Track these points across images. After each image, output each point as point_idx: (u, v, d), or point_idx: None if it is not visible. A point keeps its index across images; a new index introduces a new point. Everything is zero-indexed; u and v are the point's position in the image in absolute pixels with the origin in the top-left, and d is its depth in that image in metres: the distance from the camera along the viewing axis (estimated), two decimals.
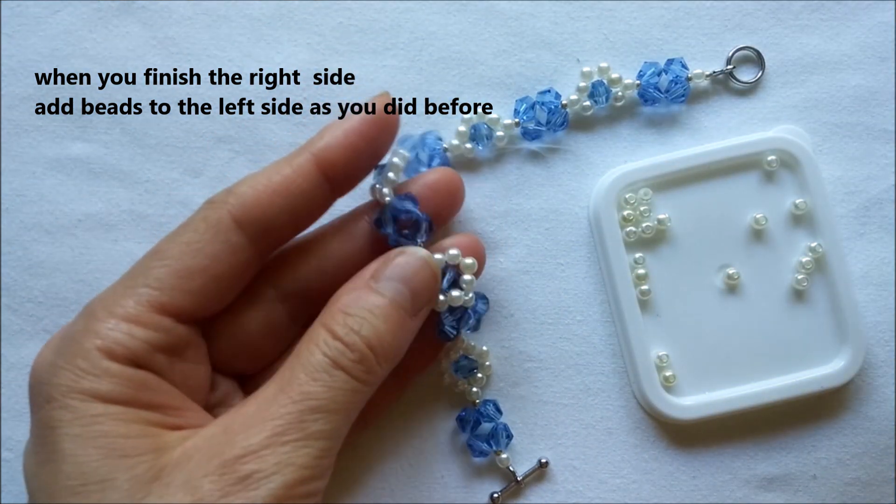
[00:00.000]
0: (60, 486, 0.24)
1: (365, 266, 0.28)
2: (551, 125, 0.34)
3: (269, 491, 0.23)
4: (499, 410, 0.33)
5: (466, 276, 0.30)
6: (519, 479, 0.33)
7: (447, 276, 0.30)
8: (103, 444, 0.24)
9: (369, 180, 0.30)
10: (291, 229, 0.29)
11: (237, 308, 0.29)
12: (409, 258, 0.28)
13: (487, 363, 0.33)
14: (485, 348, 0.33)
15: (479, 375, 0.33)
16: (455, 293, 0.30)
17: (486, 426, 0.33)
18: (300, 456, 0.24)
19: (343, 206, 0.31)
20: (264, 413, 0.24)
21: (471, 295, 0.30)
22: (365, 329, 0.26)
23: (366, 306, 0.26)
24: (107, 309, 0.26)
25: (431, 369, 0.34)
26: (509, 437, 0.33)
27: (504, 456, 0.33)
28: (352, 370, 0.26)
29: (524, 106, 0.34)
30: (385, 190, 0.30)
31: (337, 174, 0.28)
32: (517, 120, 0.34)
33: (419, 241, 0.29)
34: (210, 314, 0.28)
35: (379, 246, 0.30)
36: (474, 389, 0.33)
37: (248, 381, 0.31)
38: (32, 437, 0.25)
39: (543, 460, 0.33)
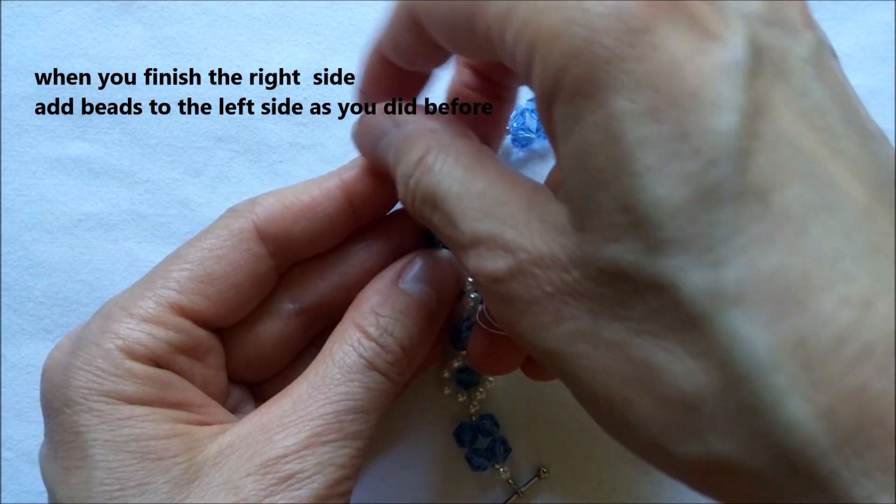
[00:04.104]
0: (95, 493, 0.23)
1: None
2: (542, 132, 0.33)
3: (311, 491, 0.23)
4: (496, 424, 0.33)
5: None
6: (520, 490, 0.33)
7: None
8: (135, 448, 0.23)
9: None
10: (312, 248, 0.29)
11: (253, 319, 0.29)
12: (434, 259, 0.28)
13: (490, 379, 0.33)
14: None
15: (480, 390, 0.33)
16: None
17: (484, 440, 0.33)
18: (339, 456, 0.24)
19: None
20: (301, 412, 0.24)
21: None
22: (398, 331, 0.26)
23: (396, 307, 0.26)
24: (125, 310, 0.25)
25: (433, 378, 0.34)
26: (507, 450, 0.33)
27: (502, 470, 0.33)
28: (387, 371, 0.26)
29: (514, 113, 0.33)
30: None
31: (363, 205, 0.28)
32: (507, 127, 0.33)
33: None
34: (227, 324, 0.28)
35: None
36: (473, 404, 0.33)
37: (255, 389, 0.30)
38: (52, 442, 0.25)
39: (543, 470, 0.33)
